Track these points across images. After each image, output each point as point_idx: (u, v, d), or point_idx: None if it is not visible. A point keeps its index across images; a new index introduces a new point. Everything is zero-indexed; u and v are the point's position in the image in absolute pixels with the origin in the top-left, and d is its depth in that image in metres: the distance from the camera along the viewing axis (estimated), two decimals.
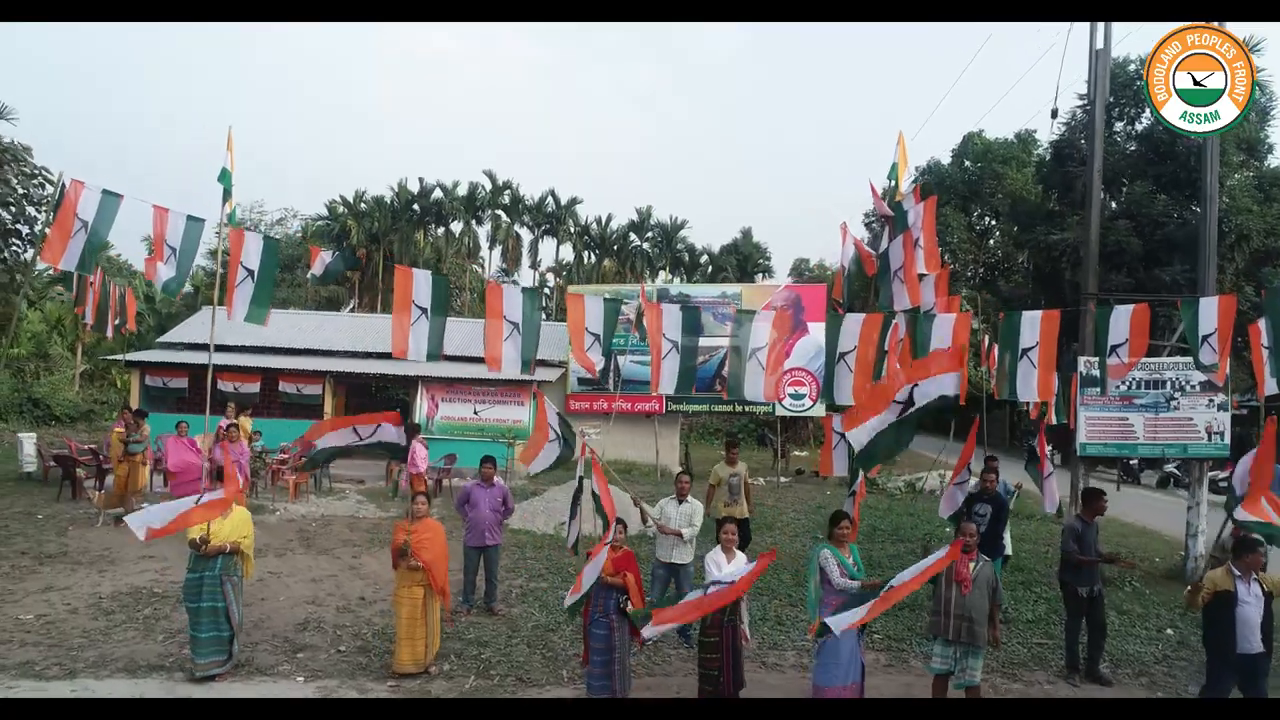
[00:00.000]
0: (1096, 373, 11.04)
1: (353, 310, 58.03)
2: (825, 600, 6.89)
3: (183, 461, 12.81)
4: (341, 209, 57.83)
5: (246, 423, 17.50)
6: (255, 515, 14.54)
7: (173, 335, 23.52)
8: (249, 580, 7.99)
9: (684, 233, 59.84)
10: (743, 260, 58.76)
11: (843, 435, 11.30)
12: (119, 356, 22.76)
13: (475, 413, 20.56)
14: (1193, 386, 11.21)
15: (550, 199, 58.48)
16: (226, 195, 12.72)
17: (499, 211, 59.16)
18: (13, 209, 10.74)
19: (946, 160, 46.95)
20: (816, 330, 23.73)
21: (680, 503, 8.77)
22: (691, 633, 8.59)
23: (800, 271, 61.24)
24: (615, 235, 59.56)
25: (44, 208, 11.09)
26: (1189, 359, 10.53)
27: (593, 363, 9.61)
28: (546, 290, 70.52)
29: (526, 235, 60.96)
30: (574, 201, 58.71)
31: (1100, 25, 13.34)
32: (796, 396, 21.88)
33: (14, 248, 11.13)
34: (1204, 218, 11.68)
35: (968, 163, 45.44)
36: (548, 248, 64.01)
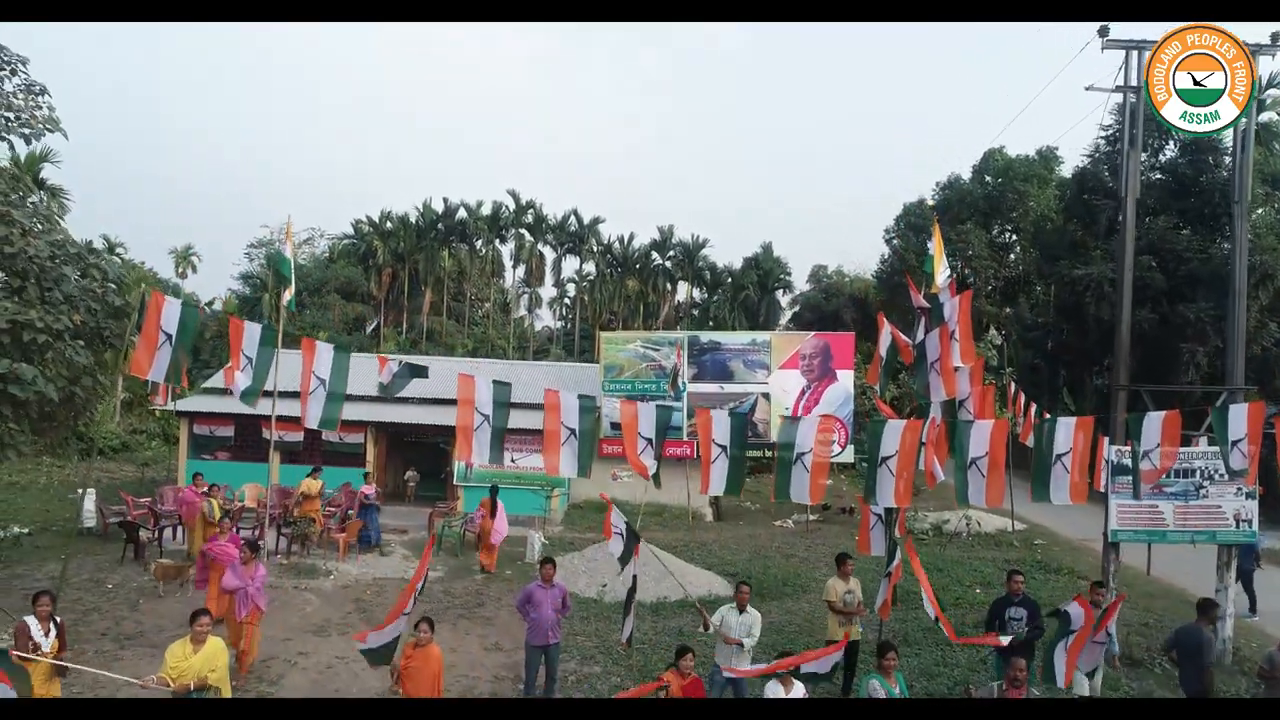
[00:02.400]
0: (1128, 461, 11.50)
1: (376, 328, 59.10)
2: None
3: (224, 553, 12.95)
4: (368, 228, 58.76)
5: (314, 484, 18.06)
6: (309, 578, 15.31)
7: (217, 380, 24.23)
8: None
9: (705, 251, 60.30)
10: (763, 276, 59.10)
11: (880, 517, 11.81)
12: (170, 405, 23.47)
13: (512, 461, 21.13)
14: (1221, 475, 11.57)
15: (573, 218, 59.14)
16: (285, 283, 13.35)
17: (523, 231, 59.84)
18: (97, 312, 11.38)
19: (967, 175, 47.30)
20: (845, 378, 24.23)
21: (741, 612, 9.26)
22: None
23: (819, 278, 61.55)
24: (637, 254, 60.10)
25: (120, 315, 11.80)
26: (1218, 448, 10.89)
27: (646, 467, 10.05)
28: (567, 301, 71.33)
29: (550, 254, 61.61)
30: (596, 221, 59.37)
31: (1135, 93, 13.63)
32: (826, 442, 22.31)
33: (96, 348, 11.80)
34: (1232, 289, 12.06)
35: (988, 178, 45.74)
36: (570, 265, 64.56)
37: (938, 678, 11.23)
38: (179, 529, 18.26)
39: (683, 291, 65.23)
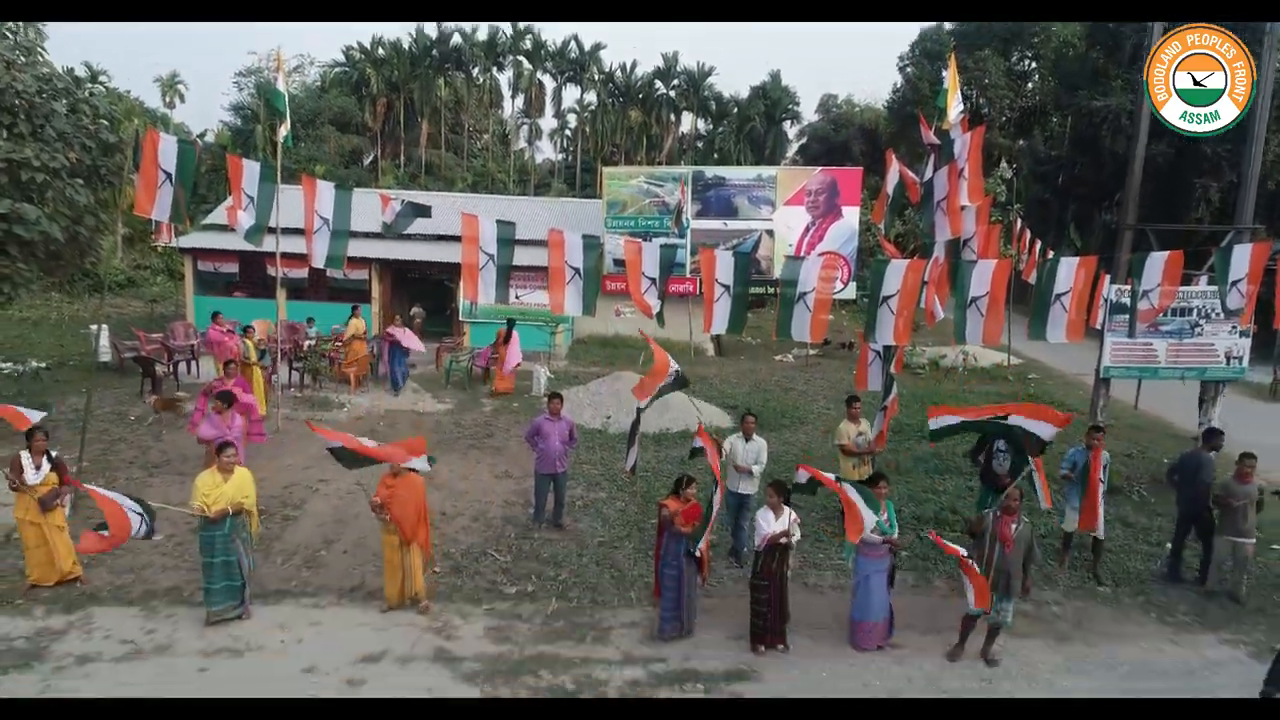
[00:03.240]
0: (1126, 300, 11.62)
1: (373, 161, 57.83)
2: (860, 549, 7.92)
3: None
4: (359, 56, 56.35)
5: (359, 324, 18.50)
6: (323, 410, 15.84)
7: (218, 216, 24.03)
8: (256, 533, 8.60)
9: (711, 79, 58.03)
10: (771, 106, 57.22)
11: (878, 354, 12.11)
12: (173, 243, 23.43)
13: (517, 297, 21.35)
14: (1217, 314, 11.72)
15: (573, 44, 56.54)
16: (280, 117, 13.02)
17: (520, 58, 57.40)
18: (91, 149, 11.10)
19: None
20: (850, 214, 23.98)
21: (747, 440, 9.70)
22: (744, 551, 9.72)
23: (828, 108, 59.80)
24: (640, 83, 57.88)
25: (114, 151, 11.58)
26: (1216, 288, 10.99)
27: (650, 306, 10.20)
28: (567, 132, 69.43)
29: (549, 83, 59.39)
30: (598, 47, 56.83)
31: None
32: (829, 280, 22.43)
33: (94, 186, 11.62)
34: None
35: None
36: (571, 95, 62.31)
37: (925, 503, 11.83)
38: (193, 363, 18.75)
39: (687, 123, 63.41)
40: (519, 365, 17.55)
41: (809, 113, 59.98)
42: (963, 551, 7.64)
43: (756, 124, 55.48)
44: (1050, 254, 18.07)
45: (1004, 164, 43.24)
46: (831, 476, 8.06)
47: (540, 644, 7.97)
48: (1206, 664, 8.11)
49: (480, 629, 8.23)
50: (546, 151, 74.46)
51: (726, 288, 10.24)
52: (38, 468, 8.44)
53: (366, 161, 57.04)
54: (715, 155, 56.28)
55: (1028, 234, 20.45)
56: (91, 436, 12.70)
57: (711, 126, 60.84)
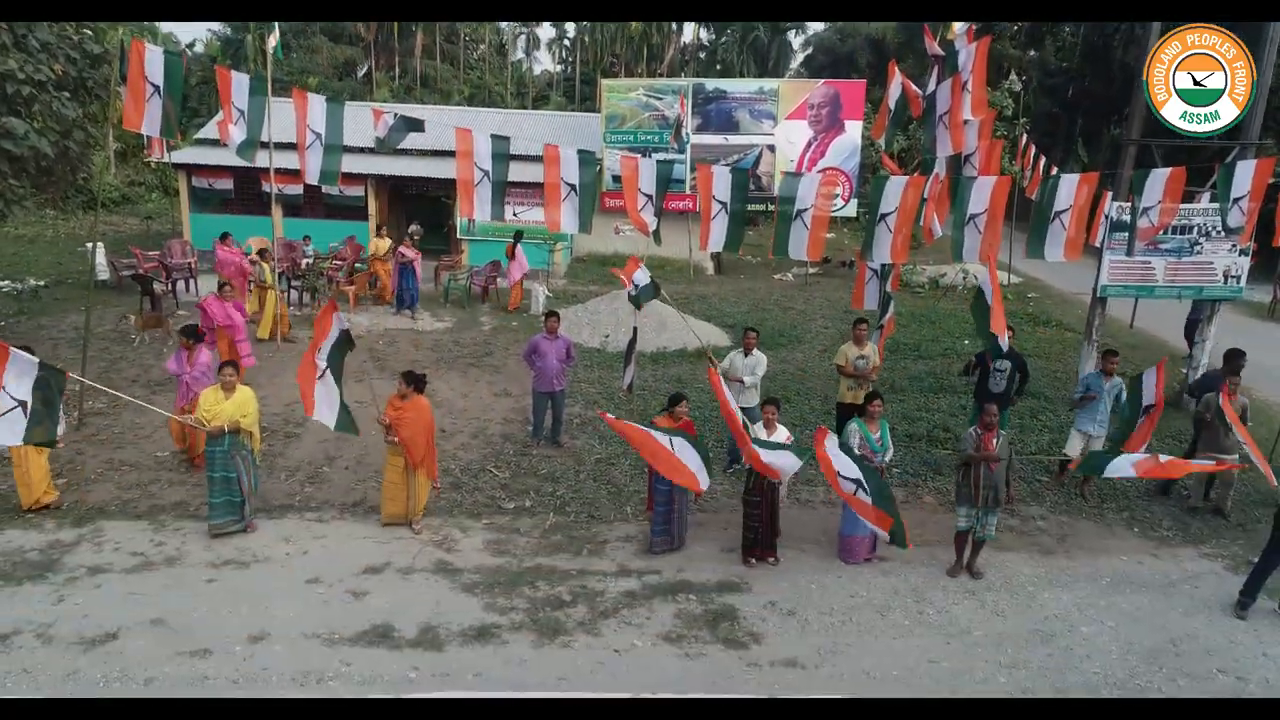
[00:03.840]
0: (1126, 218, 11.51)
1: (367, 73, 56.44)
2: None
3: (221, 314, 12.21)
4: None
5: (383, 244, 18.59)
6: None
7: (210, 130, 23.58)
8: (259, 450, 8.67)
9: None
10: None
11: (876, 272, 12.07)
12: (166, 158, 23.08)
13: (515, 215, 21.11)
14: (1218, 232, 11.62)
15: None
16: (269, 27, 12.68)
17: None
18: (77, 61, 10.84)
19: None
20: (853, 129, 23.52)
21: (746, 355, 9.81)
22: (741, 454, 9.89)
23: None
24: None
25: (100, 63, 11.28)
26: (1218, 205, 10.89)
27: (646, 224, 10.11)
28: (566, 43, 67.59)
29: None
30: None
31: None
32: (828, 196, 22.14)
33: (81, 99, 11.39)
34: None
35: None
36: None
37: (918, 422, 11.98)
38: (191, 281, 18.73)
39: (689, 32, 61.57)
40: (526, 274, 17.77)
41: (815, 22, 58.22)
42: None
43: (761, 34, 53.80)
44: (1055, 170, 17.83)
45: (1013, 76, 42.12)
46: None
47: (538, 556, 8.21)
48: (1185, 576, 8.36)
49: (480, 542, 8.47)
50: (545, 63, 72.70)
51: (724, 205, 10.11)
52: None
53: (360, 74, 55.74)
54: (718, 67, 54.83)
55: (1032, 149, 20.16)
56: (93, 355, 12.79)
57: (714, 37, 59.15)
